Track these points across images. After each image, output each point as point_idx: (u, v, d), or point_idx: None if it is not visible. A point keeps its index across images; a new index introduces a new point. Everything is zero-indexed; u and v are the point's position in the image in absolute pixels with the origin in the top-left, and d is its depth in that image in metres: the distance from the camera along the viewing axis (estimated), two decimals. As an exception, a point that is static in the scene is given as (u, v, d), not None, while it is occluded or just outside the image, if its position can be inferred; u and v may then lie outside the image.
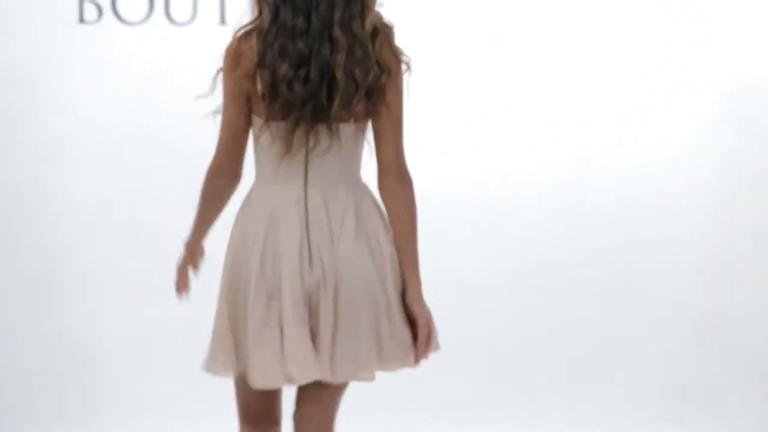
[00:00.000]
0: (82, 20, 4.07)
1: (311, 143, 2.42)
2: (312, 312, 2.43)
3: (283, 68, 2.37)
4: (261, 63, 2.38)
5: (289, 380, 2.42)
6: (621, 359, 4.28)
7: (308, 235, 2.43)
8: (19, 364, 4.13)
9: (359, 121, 2.45)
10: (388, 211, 2.49)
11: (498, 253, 4.24)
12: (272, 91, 2.38)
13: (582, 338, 4.30)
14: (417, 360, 2.48)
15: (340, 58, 2.36)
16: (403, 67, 2.43)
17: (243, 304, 2.45)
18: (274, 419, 2.58)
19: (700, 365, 4.26)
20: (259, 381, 2.42)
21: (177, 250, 2.56)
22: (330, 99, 2.38)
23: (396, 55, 2.44)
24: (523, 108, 4.21)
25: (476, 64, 4.18)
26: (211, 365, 2.49)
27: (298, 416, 2.55)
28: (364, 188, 2.51)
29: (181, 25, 4.06)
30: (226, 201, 2.51)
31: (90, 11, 4.06)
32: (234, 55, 2.42)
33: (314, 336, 2.43)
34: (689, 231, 4.28)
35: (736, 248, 4.29)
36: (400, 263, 2.48)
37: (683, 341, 4.27)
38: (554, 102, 4.21)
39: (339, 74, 2.36)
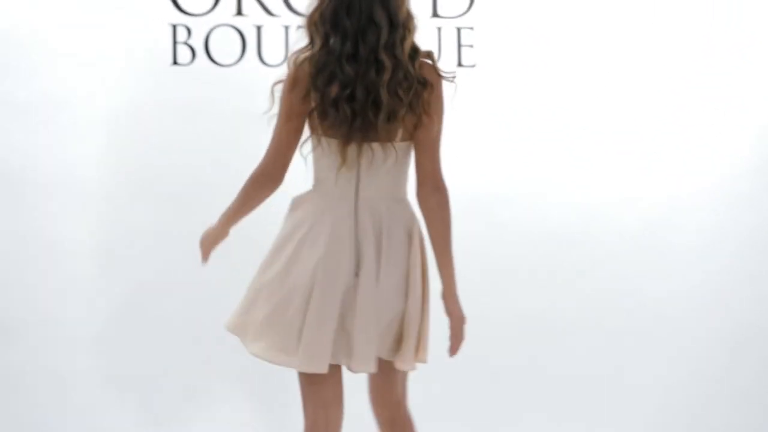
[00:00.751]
0: (175, 62, 4.12)
1: (364, 159, 2.72)
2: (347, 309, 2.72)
3: (332, 90, 2.67)
4: (314, 86, 2.69)
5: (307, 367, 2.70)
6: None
7: (357, 243, 2.72)
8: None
9: (407, 139, 2.74)
10: (424, 219, 2.77)
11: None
12: (321, 111, 2.68)
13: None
14: (453, 351, 2.83)
15: (385, 78, 2.65)
16: (448, 80, 2.74)
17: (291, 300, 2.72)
18: (339, 400, 2.84)
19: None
20: (301, 365, 2.71)
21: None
22: (377, 116, 2.66)
23: (437, 72, 2.73)
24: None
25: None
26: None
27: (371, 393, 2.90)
28: (407, 204, 2.80)
29: (274, 66, 4.11)
30: (262, 202, 2.86)
31: (183, 54, 4.12)
32: (293, 79, 2.72)
33: (349, 330, 2.72)
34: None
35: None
36: (437, 265, 2.77)
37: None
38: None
39: (383, 93, 2.65)
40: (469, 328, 4.12)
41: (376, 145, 2.70)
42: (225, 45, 4.11)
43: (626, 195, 4.33)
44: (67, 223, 4.09)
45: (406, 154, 2.76)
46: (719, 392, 4.35)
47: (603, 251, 4.34)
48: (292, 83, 2.72)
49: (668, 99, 4.33)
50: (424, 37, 4.07)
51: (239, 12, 4.13)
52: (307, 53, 2.72)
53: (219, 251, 4.10)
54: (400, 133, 2.72)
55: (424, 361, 2.82)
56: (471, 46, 4.22)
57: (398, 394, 2.89)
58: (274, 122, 2.78)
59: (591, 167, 4.32)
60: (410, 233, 2.78)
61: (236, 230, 4.07)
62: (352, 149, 2.70)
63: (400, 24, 2.69)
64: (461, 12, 4.22)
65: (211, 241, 2.97)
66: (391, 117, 2.67)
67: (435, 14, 4.20)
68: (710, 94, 4.33)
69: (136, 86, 4.08)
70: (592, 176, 4.33)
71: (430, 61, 2.75)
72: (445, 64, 4.10)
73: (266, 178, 2.81)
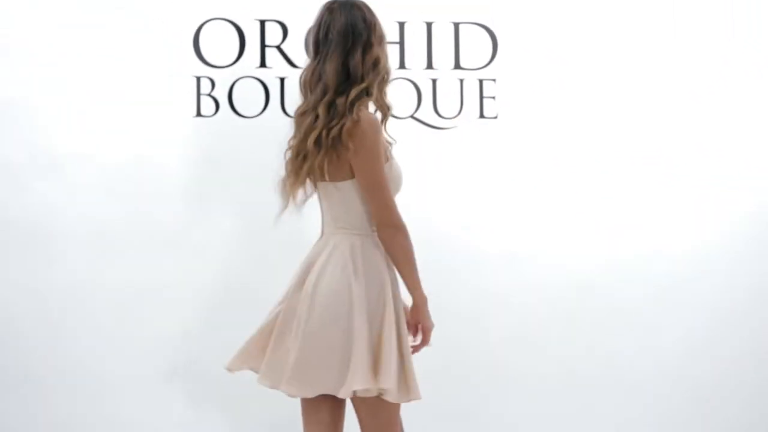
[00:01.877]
0: (199, 114, 4.14)
1: (320, 197, 3.04)
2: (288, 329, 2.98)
3: (293, 138, 3.04)
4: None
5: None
6: None
7: (308, 269, 3.01)
8: None
9: (350, 178, 2.95)
10: (387, 252, 2.98)
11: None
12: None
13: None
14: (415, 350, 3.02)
15: (319, 125, 2.91)
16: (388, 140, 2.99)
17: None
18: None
19: None
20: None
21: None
22: (318, 159, 2.93)
23: (371, 125, 2.90)
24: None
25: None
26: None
27: None
28: (364, 237, 3.00)
29: (297, 118, 4.12)
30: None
31: (207, 105, 4.14)
32: None
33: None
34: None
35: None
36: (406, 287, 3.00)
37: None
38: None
39: (310, 141, 2.92)
40: (492, 380, 4.11)
41: (327, 184, 2.98)
42: (248, 96, 4.14)
43: (649, 247, 4.33)
44: (91, 274, 4.09)
45: (356, 193, 2.98)
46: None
47: (625, 304, 4.33)
48: None
49: (693, 153, 4.35)
50: (446, 89, 4.16)
51: (263, 64, 4.16)
52: None
53: (255, 298, 4.14)
54: (342, 174, 2.94)
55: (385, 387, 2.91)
56: (493, 97, 4.23)
57: None
58: None
59: (614, 220, 4.33)
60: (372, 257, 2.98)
61: (264, 283, 4.13)
62: (306, 189, 3.07)
63: (358, 77, 2.91)
64: (483, 64, 4.24)
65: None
66: (314, 161, 2.93)
67: (457, 66, 4.22)
68: (733, 147, 4.37)
69: (160, 138, 4.10)
70: (616, 229, 4.33)
71: (369, 113, 2.93)
72: (468, 115, 4.18)
73: None
